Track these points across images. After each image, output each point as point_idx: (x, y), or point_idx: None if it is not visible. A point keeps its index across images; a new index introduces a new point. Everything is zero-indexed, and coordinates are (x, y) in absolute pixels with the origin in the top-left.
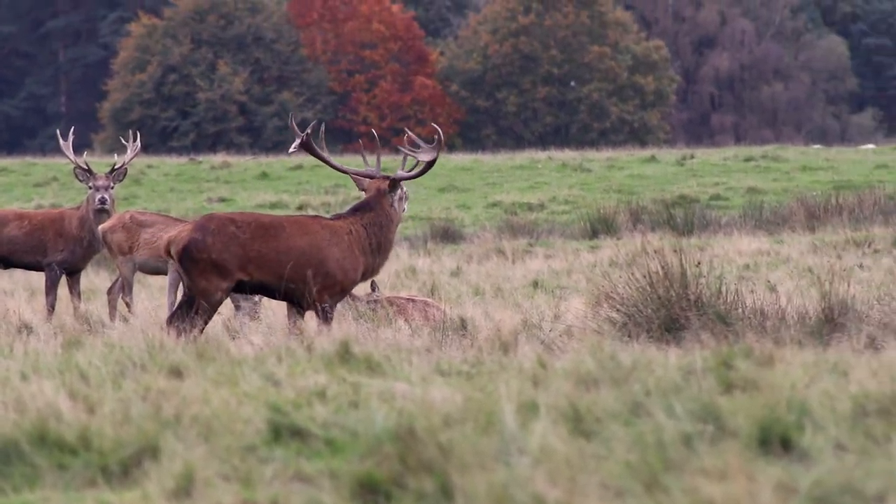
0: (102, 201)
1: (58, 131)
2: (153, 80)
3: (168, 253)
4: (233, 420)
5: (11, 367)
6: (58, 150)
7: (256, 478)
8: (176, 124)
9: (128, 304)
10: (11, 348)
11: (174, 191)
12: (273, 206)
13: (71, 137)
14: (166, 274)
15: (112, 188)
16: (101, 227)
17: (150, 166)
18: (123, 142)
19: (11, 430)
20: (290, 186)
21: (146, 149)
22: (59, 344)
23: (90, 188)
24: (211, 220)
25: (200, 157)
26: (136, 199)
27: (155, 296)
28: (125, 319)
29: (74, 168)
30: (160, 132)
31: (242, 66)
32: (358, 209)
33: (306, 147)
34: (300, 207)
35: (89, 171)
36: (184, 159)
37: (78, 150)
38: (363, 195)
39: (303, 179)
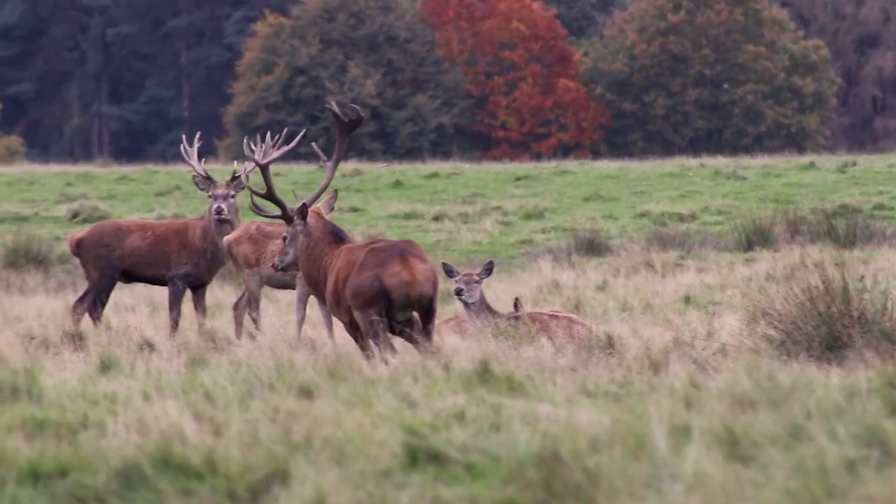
0: (220, 211)
1: (183, 137)
2: (280, 82)
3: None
4: (366, 443)
5: (133, 386)
6: (180, 157)
7: None
8: (304, 129)
9: (255, 320)
10: (133, 367)
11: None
12: (407, 216)
13: (196, 143)
14: (294, 288)
15: (233, 197)
16: (225, 238)
17: (276, 174)
18: (252, 147)
19: (134, 453)
20: (426, 195)
21: None
22: (183, 362)
23: (210, 197)
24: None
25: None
26: None
27: (283, 311)
28: (252, 336)
29: (194, 176)
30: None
31: (374, 68)
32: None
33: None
34: (436, 218)
35: (209, 178)
36: (312, 166)
37: (202, 156)
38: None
39: (438, 188)
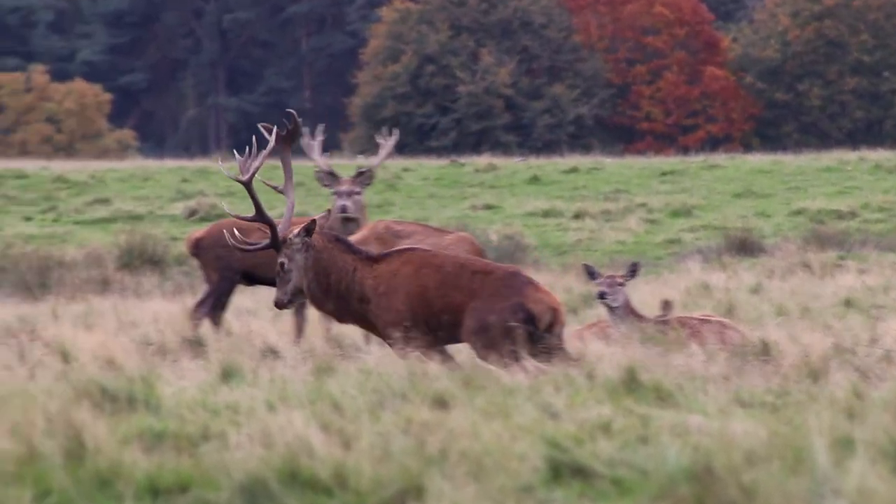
0: (343, 209)
1: (303, 130)
2: (408, 71)
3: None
4: (506, 457)
5: (257, 395)
6: (302, 152)
7: None
8: (434, 122)
9: None
10: (256, 375)
11: (434, 197)
12: (545, 213)
13: (319, 137)
14: None
15: (359, 194)
16: (350, 238)
17: (406, 169)
18: (378, 140)
19: (258, 466)
20: (565, 192)
21: (402, 149)
22: (309, 370)
23: (333, 194)
24: None
25: (463, 159)
26: (392, 207)
27: None
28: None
29: (317, 171)
30: (417, 130)
31: (508, 56)
32: None
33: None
34: (577, 216)
35: (333, 174)
36: (444, 161)
37: (325, 150)
38: None
39: (579, 184)
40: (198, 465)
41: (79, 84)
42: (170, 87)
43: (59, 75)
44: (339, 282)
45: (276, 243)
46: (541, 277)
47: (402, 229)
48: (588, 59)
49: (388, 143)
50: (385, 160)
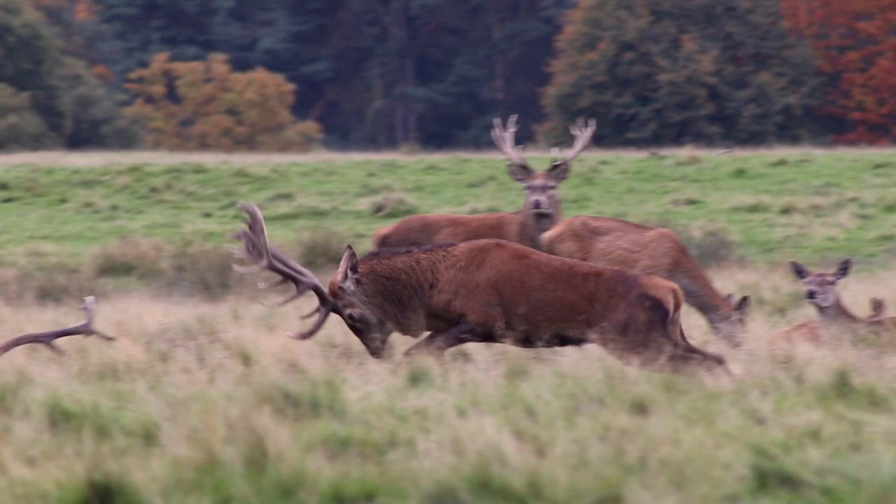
0: (537, 204)
1: (495, 121)
2: (606, 59)
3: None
4: (709, 465)
5: (447, 400)
6: (494, 144)
7: None
8: (633, 112)
9: None
10: (446, 378)
11: (633, 191)
12: (752, 209)
13: (511, 128)
14: None
15: (553, 188)
16: (545, 235)
17: (603, 162)
18: (573, 132)
19: (448, 475)
20: (772, 186)
21: (599, 141)
22: (502, 373)
23: (526, 188)
24: None
25: (663, 151)
26: (588, 202)
27: None
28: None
29: (509, 164)
30: (615, 121)
31: (711, 42)
32: None
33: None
34: (785, 210)
35: (525, 167)
36: (644, 153)
37: (518, 142)
38: None
39: (787, 177)
40: (384, 473)
41: (260, 74)
42: (355, 77)
43: (240, 65)
44: (410, 287)
45: (329, 302)
46: (746, 276)
47: (600, 225)
48: (796, 46)
49: (583, 134)
50: (581, 153)
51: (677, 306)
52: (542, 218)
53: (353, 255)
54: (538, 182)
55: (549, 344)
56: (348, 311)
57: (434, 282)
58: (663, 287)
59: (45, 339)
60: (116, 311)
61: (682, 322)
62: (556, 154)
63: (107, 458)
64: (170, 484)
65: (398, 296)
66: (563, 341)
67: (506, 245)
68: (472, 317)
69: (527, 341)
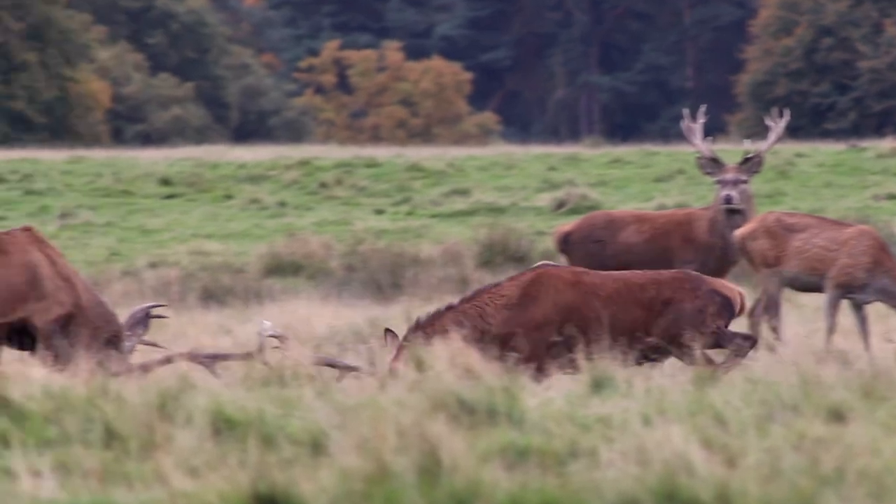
0: (728, 199)
1: (684, 112)
2: (802, 45)
3: None
4: None
5: (631, 408)
6: (683, 136)
7: None
8: (831, 101)
9: (774, 329)
10: (630, 385)
11: (830, 186)
12: None
13: (700, 119)
14: (822, 291)
15: (745, 182)
16: (737, 232)
17: (799, 155)
18: (767, 122)
19: (632, 486)
20: None
21: (795, 133)
22: (689, 379)
23: (717, 183)
24: None
25: (863, 143)
26: (783, 197)
27: (809, 318)
28: (771, 348)
29: (698, 157)
30: (811, 111)
31: None
32: None
33: None
34: None
35: (716, 160)
36: (842, 145)
37: (708, 134)
38: None
39: None
40: (565, 484)
41: (436, 62)
42: (536, 65)
43: (415, 53)
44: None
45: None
46: None
47: (795, 222)
48: None
49: (778, 125)
50: (775, 145)
51: (741, 311)
52: (734, 214)
53: (395, 336)
54: (729, 176)
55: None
56: None
57: (487, 327)
58: (733, 289)
59: (205, 362)
60: (284, 313)
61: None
62: (749, 146)
63: (272, 469)
64: (338, 495)
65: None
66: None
67: (556, 272)
68: (530, 357)
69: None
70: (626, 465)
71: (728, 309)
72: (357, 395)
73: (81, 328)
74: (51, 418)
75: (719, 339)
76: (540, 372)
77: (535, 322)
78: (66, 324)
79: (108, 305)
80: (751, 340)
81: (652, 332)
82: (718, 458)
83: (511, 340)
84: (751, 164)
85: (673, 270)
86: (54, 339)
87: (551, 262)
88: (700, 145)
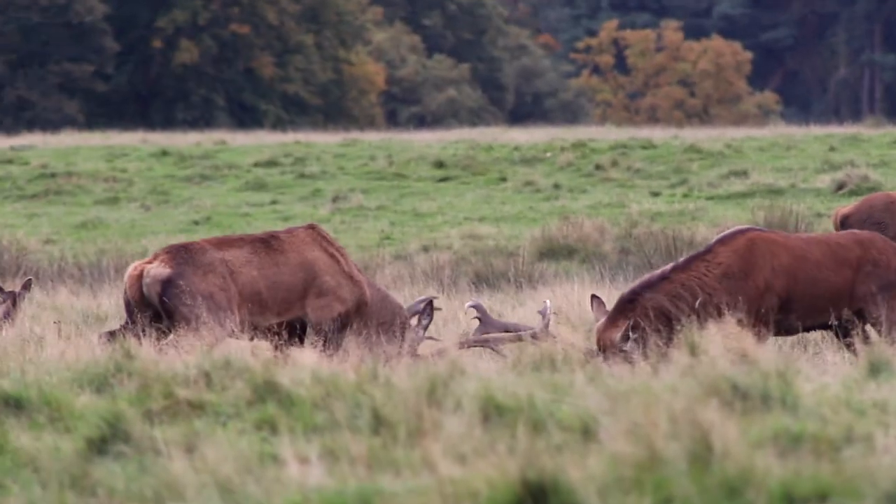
0: None
1: None
2: None
3: None
4: None
5: None
6: None
7: None
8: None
9: None
10: None
11: None
12: None
13: None
14: None
15: None
16: None
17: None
18: None
19: None
20: None
21: None
22: None
23: None
24: None
25: None
26: None
27: None
28: None
29: None
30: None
31: None
32: None
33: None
34: None
35: None
36: None
37: None
38: None
39: None
40: (839, 471)
41: (716, 42)
42: (818, 45)
43: (694, 32)
44: (684, 315)
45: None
46: None
47: None
48: None
49: None
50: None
51: None
52: None
53: (601, 303)
54: None
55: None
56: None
57: (707, 297)
58: None
59: (493, 344)
60: (556, 297)
61: None
62: None
63: (542, 455)
64: (608, 482)
65: (673, 322)
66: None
67: (768, 236)
68: (753, 323)
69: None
70: None
71: None
72: (628, 380)
73: (367, 322)
74: (319, 404)
75: None
76: (760, 339)
77: (759, 288)
78: (348, 320)
79: (393, 299)
80: None
81: (857, 294)
82: None
83: (734, 308)
84: None
85: (866, 232)
86: (335, 335)
87: (752, 226)
88: None
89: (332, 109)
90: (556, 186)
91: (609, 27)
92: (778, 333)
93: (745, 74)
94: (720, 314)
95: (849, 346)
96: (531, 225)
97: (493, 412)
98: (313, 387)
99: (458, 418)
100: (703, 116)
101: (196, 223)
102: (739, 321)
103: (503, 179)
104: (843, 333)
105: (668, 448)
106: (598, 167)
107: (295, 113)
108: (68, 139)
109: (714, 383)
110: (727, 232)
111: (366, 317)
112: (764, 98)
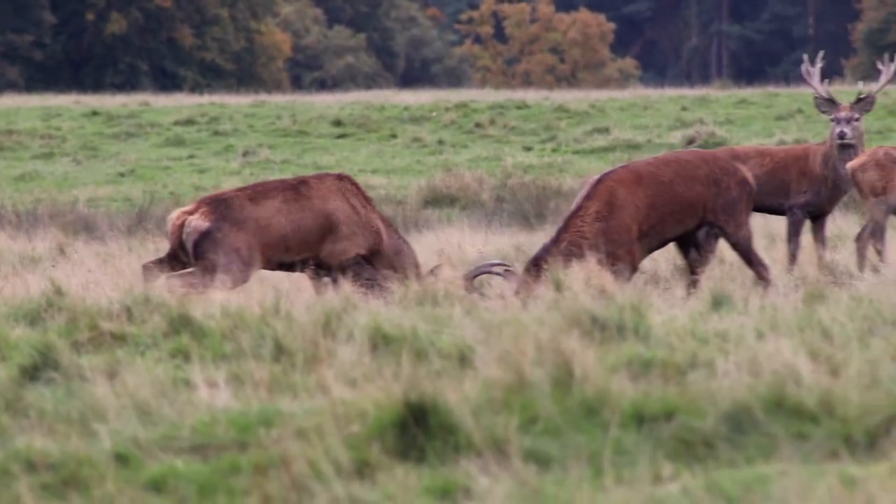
0: (842, 135)
1: (804, 57)
2: None
3: None
4: None
5: (746, 323)
6: (802, 79)
7: None
8: None
9: (879, 252)
10: (747, 302)
11: None
12: None
13: (818, 63)
14: None
15: (857, 120)
16: (849, 165)
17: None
18: (879, 66)
19: (744, 394)
20: None
21: None
22: (800, 297)
23: (832, 120)
24: None
25: None
26: (892, 133)
27: None
28: (875, 269)
29: (815, 98)
30: None
31: None
32: None
33: None
34: None
35: (831, 100)
36: None
37: (827, 77)
38: None
39: None
40: (684, 392)
41: (583, 14)
42: (673, 17)
43: (564, 5)
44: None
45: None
46: None
47: None
48: None
49: (889, 69)
50: (886, 86)
51: None
52: (846, 149)
53: (513, 274)
54: (843, 114)
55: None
56: None
57: (590, 245)
58: (749, 174)
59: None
60: (439, 240)
61: None
62: (862, 88)
63: (423, 380)
64: (481, 404)
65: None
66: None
67: (620, 176)
68: (626, 257)
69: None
70: (739, 376)
71: (751, 194)
72: (500, 313)
73: (379, 266)
74: (227, 335)
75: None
76: (635, 270)
77: (627, 224)
78: (360, 262)
79: (411, 249)
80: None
81: (709, 207)
82: (823, 369)
83: (610, 247)
84: (863, 103)
85: (712, 152)
86: (353, 273)
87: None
88: (818, 87)
89: (244, 74)
90: (441, 142)
91: (489, 1)
92: (651, 250)
93: (608, 43)
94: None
95: (694, 282)
96: (418, 176)
97: (380, 342)
98: (222, 320)
99: (349, 347)
100: (570, 80)
101: (122, 175)
102: (605, 258)
103: (394, 136)
104: (690, 270)
105: (534, 373)
106: (477, 125)
107: (211, 77)
108: (9, 101)
109: (575, 316)
110: (588, 185)
111: (378, 262)
112: (625, 64)
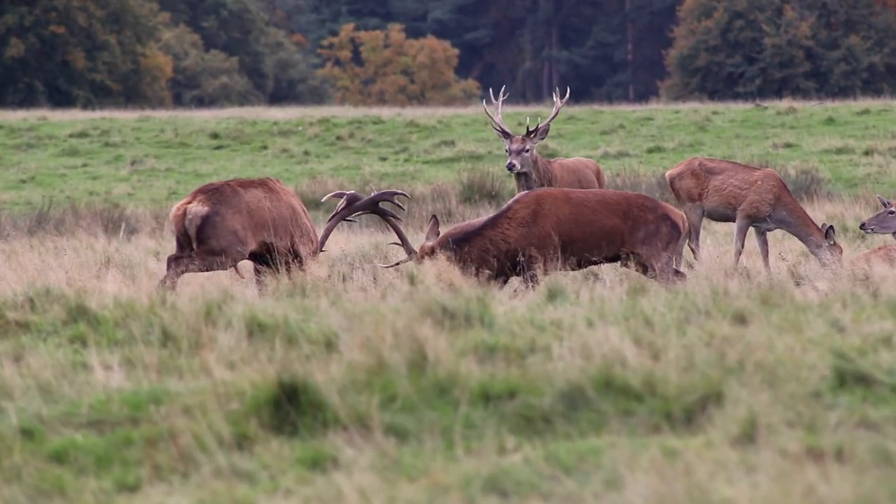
0: (510, 167)
1: (490, 91)
2: (719, 26)
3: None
4: (797, 366)
5: (578, 313)
6: (624, 98)
7: (821, 424)
8: (742, 70)
9: (693, 251)
10: (578, 295)
11: (739, 137)
12: (839, 151)
13: (501, 98)
14: (734, 221)
15: (527, 151)
16: (668, 173)
17: (715, 113)
18: (555, 99)
19: (578, 376)
20: (857, 131)
21: (712, 95)
22: (625, 290)
23: (506, 151)
24: None
25: (766, 103)
26: (701, 146)
27: (720, 242)
28: (690, 266)
29: (494, 130)
30: (726, 78)
31: (809, 11)
32: None
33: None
34: (867, 152)
35: (506, 133)
36: (749, 105)
37: (643, 97)
38: None
39: (869, 124)
40: (525, 374)
41: (430, 41)
42: (509, 43)
43: (413, 33)
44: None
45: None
46: (833, 207)
47: (715, 166)
48: (881, 13)
49: (559, 103)
50: (557, 117)
51: (684, 234)
52: (519, 177)
53: (436, 224)
54: (514, 146)
55: (592, 264)
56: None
57: (507, 246)
58: (678, 213)
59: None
60: None
61: (776, 246)
62: (536, 119)
63: (294, 363)
64: (346, 384)
65: (482, 268)
66: (608, 260)
67: (552, 193)
68: (541, 261)
69: (578, 266)
70: (573, 359)
71: (676, 231)
72: (362, 303)
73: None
74: (120, 323)
75: (664, 262)
76: (546, 274)
77: (545, 234)
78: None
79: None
80: (682, 277)
81: (626, 243)
82: (646, 353)
83: (527, 251)
84: (535, 134)
85: (635, 193)
86: (311, 262)
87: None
88: (495, 119)
89: (131, 92)
90: (306, 153)
91: (347, 29)
92: (568, 267)
93: (453, 66)
94: (523, 257)
95: (532, 277)
96: (287, 183)
97: (256, 329)
98: (115, 310)
99: (228, 334)
100: (420, 99)
101: (23, 181)
102: (531, 258)
103: (265, 147)
104: (574, 268)
105: (392, 357)
106: (338, 138)
107: (101, 96)
108: None
109: (428, 306)
110: (522, 193)
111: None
112: (468, 84)
